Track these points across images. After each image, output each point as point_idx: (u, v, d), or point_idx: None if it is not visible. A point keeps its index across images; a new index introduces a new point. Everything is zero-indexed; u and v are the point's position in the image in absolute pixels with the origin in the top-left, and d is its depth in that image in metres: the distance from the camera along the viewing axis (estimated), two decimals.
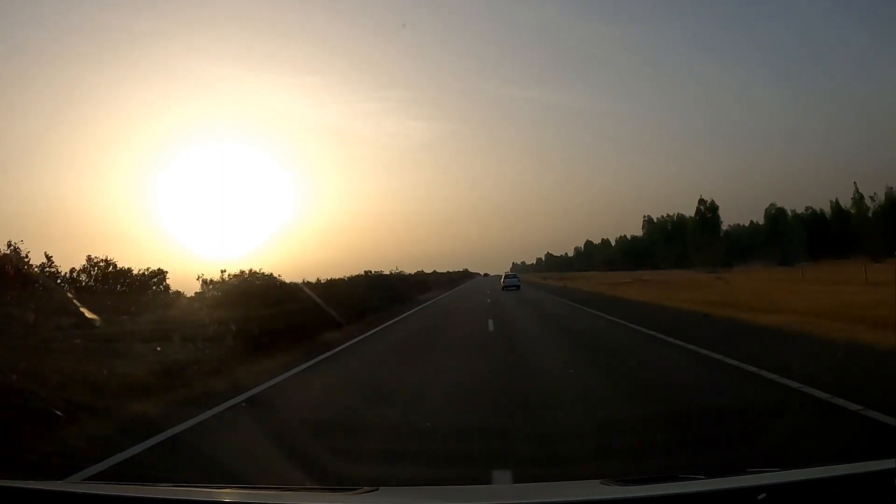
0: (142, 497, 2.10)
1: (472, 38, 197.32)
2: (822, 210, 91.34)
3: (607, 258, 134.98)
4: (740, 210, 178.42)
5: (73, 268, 13.73)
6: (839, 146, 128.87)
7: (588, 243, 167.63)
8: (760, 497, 1.72)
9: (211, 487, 2.88)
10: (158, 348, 9.15)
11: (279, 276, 16.64)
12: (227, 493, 2.53)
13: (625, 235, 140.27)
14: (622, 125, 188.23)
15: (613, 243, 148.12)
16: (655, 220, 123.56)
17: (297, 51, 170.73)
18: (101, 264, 14.18)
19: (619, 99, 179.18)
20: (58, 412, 5.76)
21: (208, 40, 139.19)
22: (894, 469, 1.74)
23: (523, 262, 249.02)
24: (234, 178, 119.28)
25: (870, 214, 78.51)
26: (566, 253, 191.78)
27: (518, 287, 43.04)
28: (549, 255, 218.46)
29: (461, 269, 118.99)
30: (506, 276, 48.07)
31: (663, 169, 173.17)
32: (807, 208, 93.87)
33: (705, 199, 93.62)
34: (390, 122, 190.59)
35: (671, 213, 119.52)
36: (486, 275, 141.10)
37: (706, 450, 4.39)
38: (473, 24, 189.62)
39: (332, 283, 22.37)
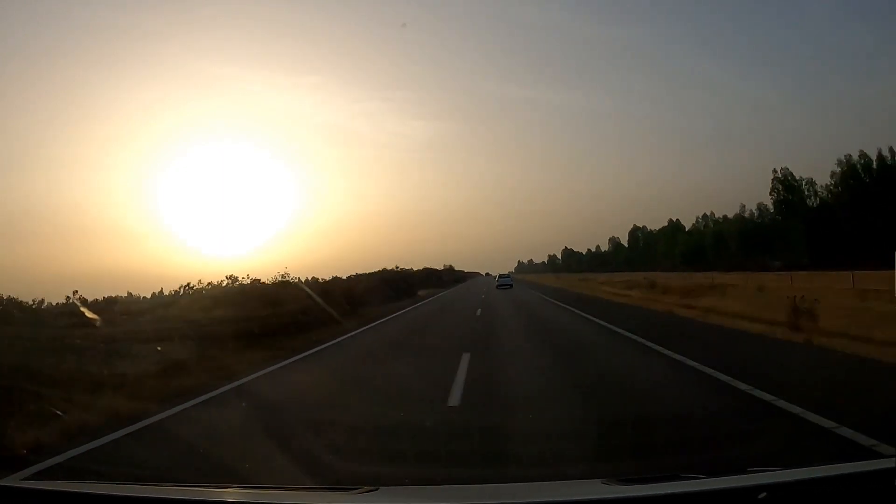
0: (142, 497, 2.10)
1: (474, 38, 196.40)
2: None
3: (686, 250, 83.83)
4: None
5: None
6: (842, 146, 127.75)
7: (636, 230, 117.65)
8: (761, 496, 1.71)
9: (211, 487, 2.88)
10: None
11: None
12: (227, 493, 2.53)
13: (742, 211, 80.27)
14: (626, 123, 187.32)
15: (699, 222, 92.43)
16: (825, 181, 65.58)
17: (297, 51, 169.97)
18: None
19: (622, 98, 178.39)
20: None
21: (208, 40, 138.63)
22: (894, 469, 1.73)
23: (530, 261, 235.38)
24: (236, 177, 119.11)
25: None
26: (597, 246, 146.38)
27: (511, 286, 49.82)
28: (567, 251, 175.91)
29: (443, 267, 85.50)
30: (500, 277, 58.49)
31: (677, 165, 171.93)
32: None
33: None
34: (392, 122, 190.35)
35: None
36: (487, 274, 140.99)
37: None
38: (475, 23, 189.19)
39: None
